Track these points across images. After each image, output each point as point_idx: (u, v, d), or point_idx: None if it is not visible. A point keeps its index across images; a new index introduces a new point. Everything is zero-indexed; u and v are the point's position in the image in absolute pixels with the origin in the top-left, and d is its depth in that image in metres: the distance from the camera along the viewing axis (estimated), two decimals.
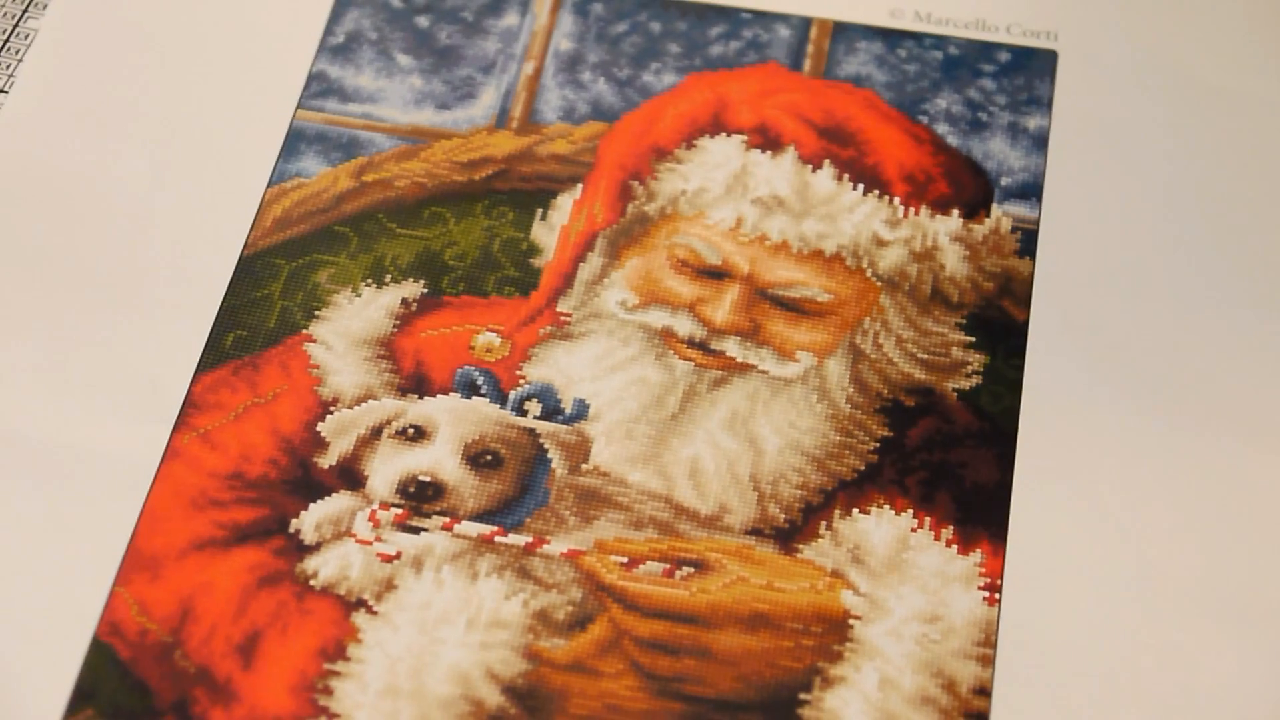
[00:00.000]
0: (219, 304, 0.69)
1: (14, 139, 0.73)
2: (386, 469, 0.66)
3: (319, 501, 0.65)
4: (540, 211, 0.72)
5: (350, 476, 0.66)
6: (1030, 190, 0.73)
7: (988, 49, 0.77)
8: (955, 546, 0.64)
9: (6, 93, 0.74)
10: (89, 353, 0.68)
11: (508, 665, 0.62)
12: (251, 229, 0.71)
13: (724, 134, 0.73)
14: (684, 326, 0.69)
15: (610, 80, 0.76)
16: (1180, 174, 0.73)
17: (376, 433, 0.67)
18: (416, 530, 0.64)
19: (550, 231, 0.72)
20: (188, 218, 0.71)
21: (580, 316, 0.69)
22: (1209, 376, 0.68)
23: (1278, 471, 0.66)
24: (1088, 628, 0.63)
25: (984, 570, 0.64)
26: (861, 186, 0.72)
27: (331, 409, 0.67)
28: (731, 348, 0.68)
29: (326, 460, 0.66)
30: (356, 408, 0.67)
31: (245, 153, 0.73)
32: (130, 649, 0.62)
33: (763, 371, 0.68)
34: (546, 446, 0.66)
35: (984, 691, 0.61)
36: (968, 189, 0.73)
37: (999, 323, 0.69)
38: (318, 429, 0.67)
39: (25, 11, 0.77)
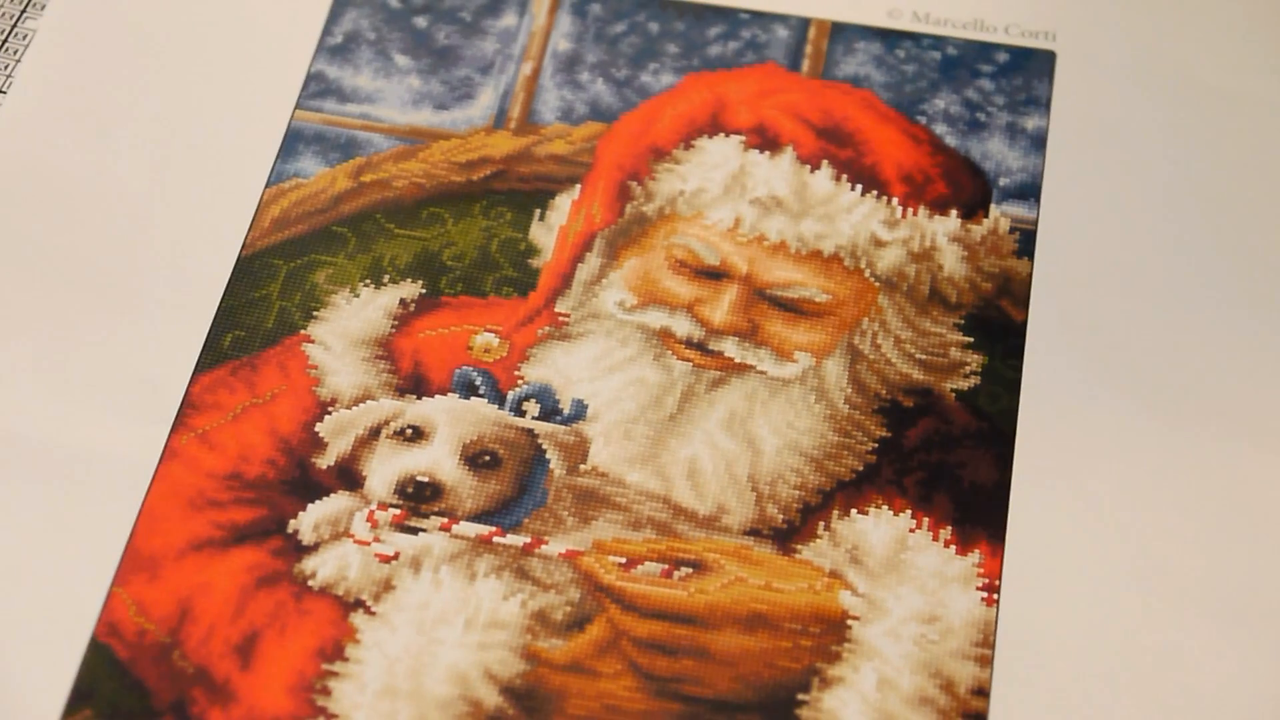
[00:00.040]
0: (217, 304, 0.69)
1: (12, 140, 0.73)
2: (385, 469, 0.66)
3: (317, 502, 0.65)
4: (538, 212, 0.72)
5: (348, 477, 0.66)
6: (1028, 191, 0.73)
7: (986, 49, 0.77)
8: (954, 547, 0.64)
9: (5, 93, 0.74)
10: (87, 353, 0.68)
11: (506, 665, 0.62)
12: (250, 229, 0.71)
13: (722, 134, 0.73)
14: (682, 327, 0.69)
15: (608, 81, 0.76)
16: (1179, 174, 0.73)
17: (375, 433, 0.67)
18: (415, 531, 0.64)
19: (548, 232, 0.72)
20: (186, 218, 0.71)
21: (578, 317, 0.69)
22: (1208, 377, 0.68)
23: (1276, 471, 0.66)
24: (1086, 628, 0.63)
25: (982, 571, 0.64)
26: (860, 187, 0.72)
27: (330, 409, 0.67)
28: (730, 348, 0.68)
29: (325, 461, 0.66)
30: (355, 408, 0.67)
31: (243, 153, 0.73)
32: (128, 649, 0.62)
33: (761, 372, 0.68)
34: (545, 447, 0.66)
35: (982, 692, 0.61)
36: (966, 189, 0.73)
37: (997, 323, 0.69)
38: (316, 429, 0.67)
39: (23, 12, 0.77)
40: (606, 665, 0.62)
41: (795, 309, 0.69)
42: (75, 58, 0.75)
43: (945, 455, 0.66)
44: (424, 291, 0.70)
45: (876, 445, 0.67)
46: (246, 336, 0.68)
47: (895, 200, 0.72)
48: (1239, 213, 0.72)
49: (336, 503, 0.65)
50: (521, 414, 0.67)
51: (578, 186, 0.73)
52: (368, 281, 0.70)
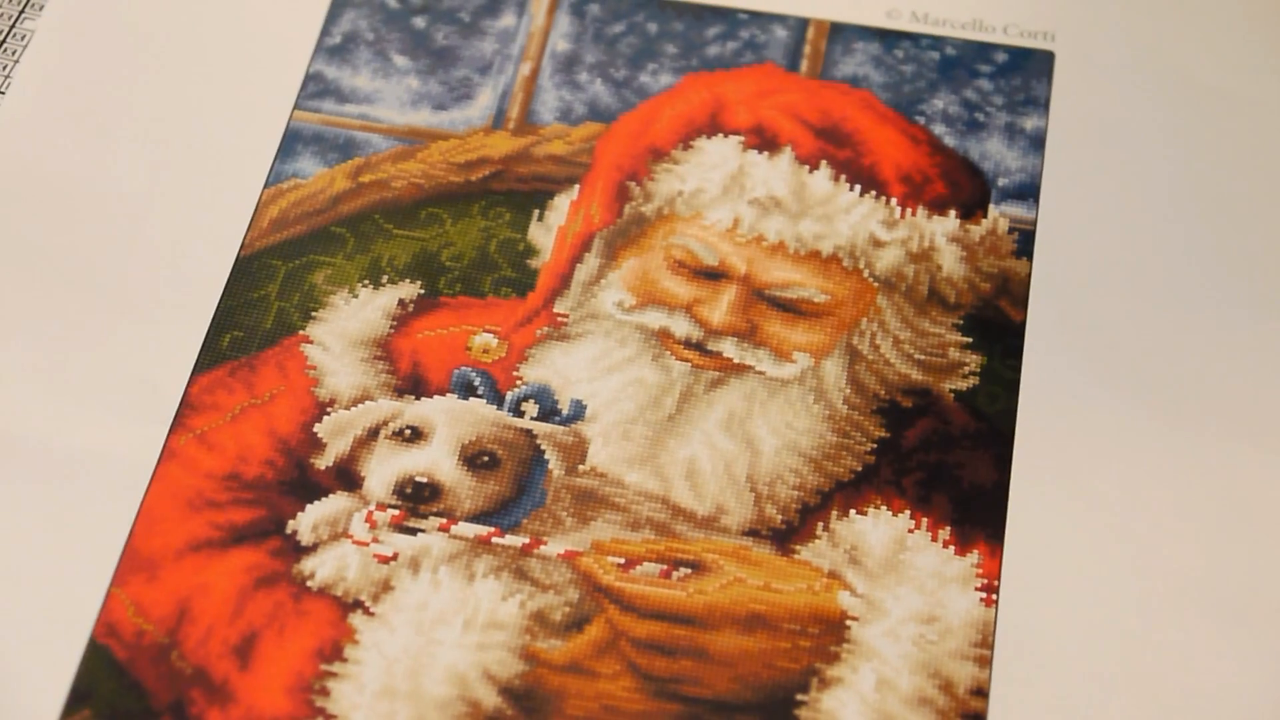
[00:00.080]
0: (215, 305, 0.69)
1: (11, 140, 0.73)
2: (383, 470, 0.66)
3: (316, 502, 0.65)
4: (537, 212, 0.72)
5: (347, 477, 0.66)
6: (1027, 191, 0.73)
7: (985, 49, 0.77)
8: (952, 547, 0.64)
9: (3, 94, 0.74)
10: (85, 354, 0.68)
11: (505, 666, 0.62)
12: (248, 230, 0.71)
13: (721, 135, 0.73)
14: (681, 327, 0.69)
15: (607, 81, 0.76)
16: (1178, 174, 0.73)
17: (373, 434, 0.67)
18: (413, 531, 0.64)
19: (547, 232, 0.71)
20: (184, 218, 0.71)
21: (577, 317, 0.69)
22: (1207, 377, 0.68)
23: (1275, 472, 0.66)
24: (1085, 629, 0.63)
25: (981, 571, 0.64)
26: (858, 187, 0.72)
27: (328, 410, 0.67)
28: (728, 348, 0.68)
29: (323, 461, 0.66)
30: (353, 409, 0.67)
31: (242, 153, 0.73)
32: (127, 650, 0.62)
33: (760, 372, 0.68)
34: (543, 447, 0.66)
35: (981, 692, 0.61)
36: (965, 189, 0.73)
37: (996, 323, 0.69)
38: (314, 430, 0.66)
39: (22, 13, 0.77)
40: (605, 666, 0.62)
41: (794, 309, 0.69)
42: (74, 58, 0.75)
43: (944, 455, 0.66)
44: (422, 292, 0.70)
45: (875, 446, 0.67)
46: (245, 337, 0.68)
47: (894, 200, 0.72)
48: (1238, 213, 0.72)
49: (335, 503, 0.65)
50: (520, 414, 0.67)
51: (576, 187, 0.73)
52: (366, 282, 0.70)
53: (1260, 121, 0.74)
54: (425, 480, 0.65)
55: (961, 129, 0.74)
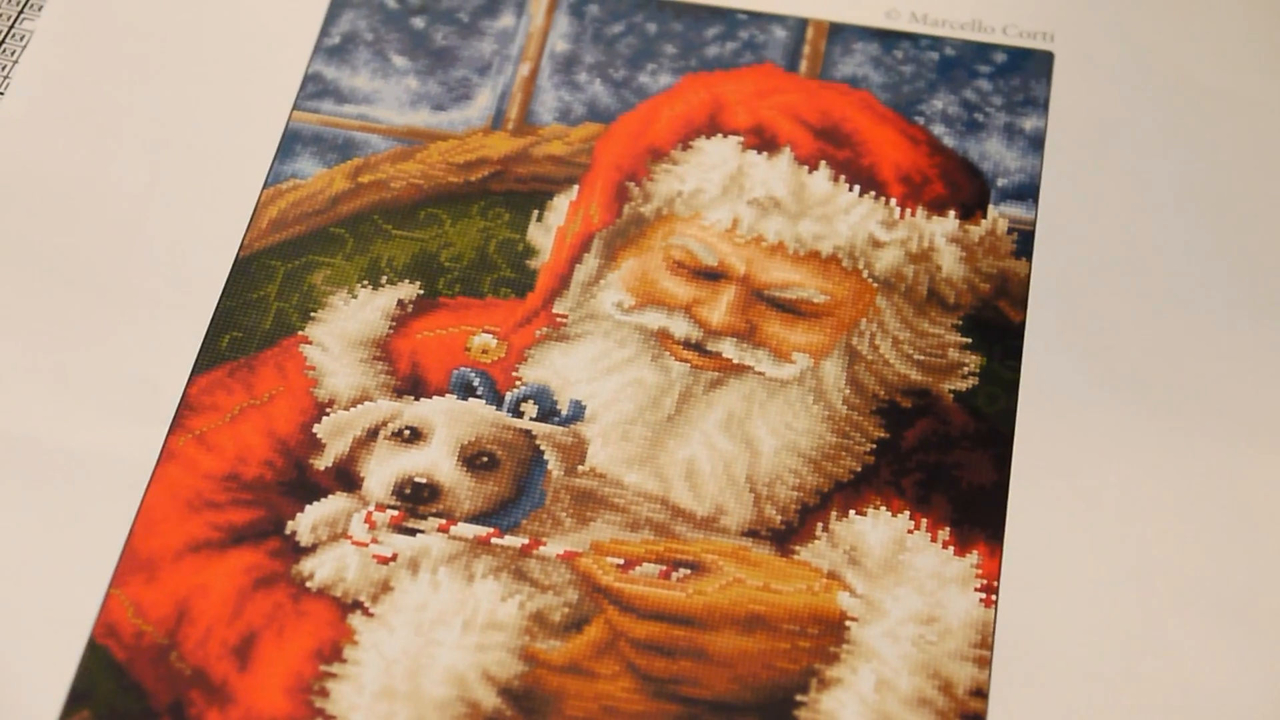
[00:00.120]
0: (214, 305, 0.69)
1: (10, 141, 0.73)
2: (382, 470, 0.66)
3: (315, 503, 0.65)
4: (536, 213, 0.72)
5: (346, 478, 0.66)
6: (1027, 191, 0.73)
7: (984, 50, 0.77)
8: (952, 548, 0.64)
9: (2, 95, 0.74)
10: (84, 354, 0.67)
11: (504, 667, 0.62)
12: (247, 230, 0.71)
13: (720, 135, 0.73)
14: (680, 328, 0.69)
15: (606, 81, 0.76)
16: (1177, 175, 0.73)
17: (372, 434, 0.67)
18: (412, 532, 0.64)
19: (546, 233, 0.71)
20: (183, 219, 0.71)
21: (576, 318, 0.69)
22: (1206, 377, 0.68)
23: (1275, 472, 0.66)
24: (1085, 629, 0.63)
25: (980, 572, 0.64)
26: (857, 187, 0.72)
27: (327, 410, 0.67)
28: (728, 349, 0.68)
29: (322, 462, 0.66)
30: (352, 409, 0.67)
31: (241, 154, 0.73)
32: (126, 651, 0.62)
33: (759, 373, 0.68)
34: (543, 448, 0.66)
35: (981, 693, 0.61)
36: (964, 190, 0.73)
37: (995, 324, 0.69)
38: (314, 430, 0.66)
39: (21, 13, 0.77)
40: (604, 666, 0.62)
41: (793, 310, 0.69)
42: (73, 59, 0.75)
43: (943, 456, 0.66)
44: (422, 292, 0.70)
45: (874, 446, 0.67)
46: (244, 338, 0.68)
47: (893, 201, 0.72)
48: (1238, 213, 0.72)
49: (334, 504, 0.65)
50: (519, 415, 0.67)
51: (575, 187, 0.73)
52: (365, 282, 0.70)
53: (1260, 121, 0.74)
54: (424, 481, 0.65)
55: (961, 129, 0.74)
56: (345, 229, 0.72)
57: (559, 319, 0.69)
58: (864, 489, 0.66)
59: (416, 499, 0.65)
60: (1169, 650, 0.62)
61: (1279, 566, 0.64)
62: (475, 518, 0.65)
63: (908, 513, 0.65)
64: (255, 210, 0.72)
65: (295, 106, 0.75)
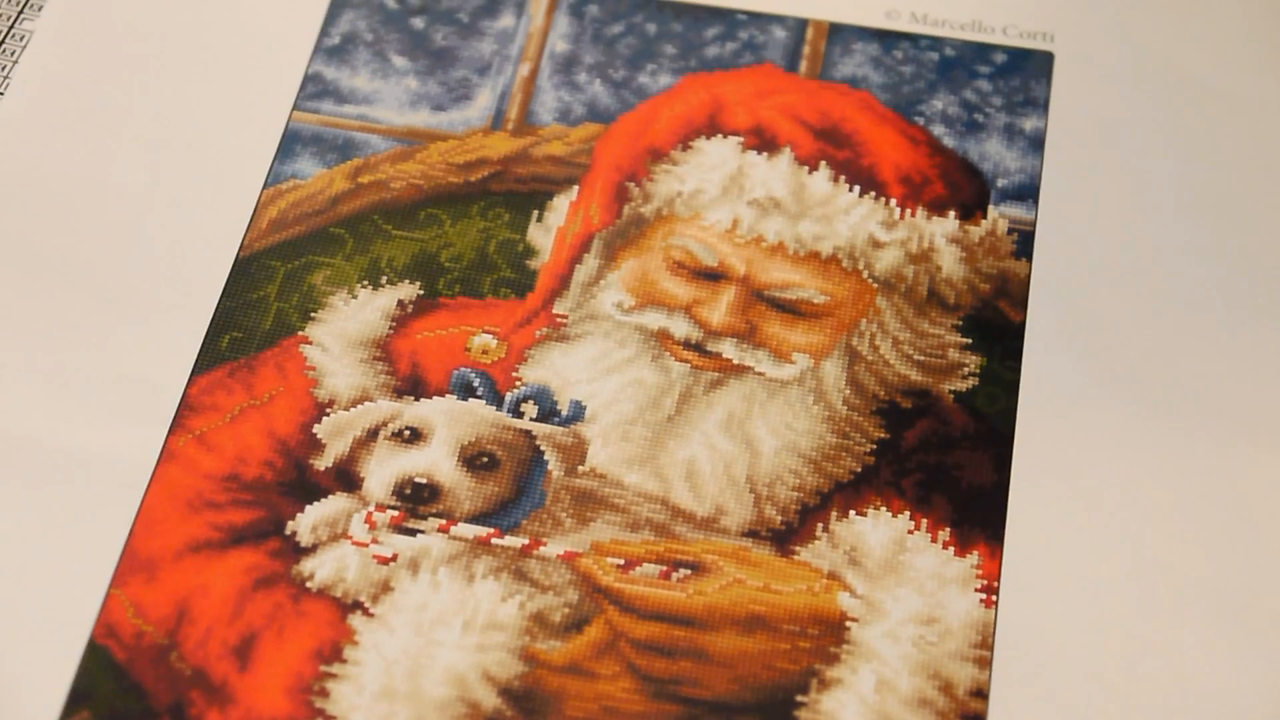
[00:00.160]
0: (214, 306, 0.69)
1: (9, 141, 0.73)
2: (382, 471, 0.66)
3: (315, 503, 0.65)
4: (536, 213, 0.72)
5: (346, 478, 0.66)
6: (1026, 192, 0.73)
7: (984, 50, 0.77)
8: (952, 548, 0.64)
9: (2, 95, 0.74)
10: (84, 355, 0.67)
11: (504, 667, 0.62)
12: (247, 231, 0.71)
13: (720, 135, 0.73)
14: (680, 328, 0.69)
15: (606, 82, 0.76)
16: (1177, 175, 0.73)
17: (372, 434, 0.66)
18: (413, 532, 0.64)
19: (546, 233, 0.71)
20: (183, 220, 0.71)
21: (576, 318, 0.69)
22: (1206, 377, 0.68)
23: (1275, 472, 0.66)
24: (1085, 630, 0.63)
25: (981, 572, 0.64)
26: (857, 188, 0.72)
27: (327, 411, 0.67)
28: (728, 349, 0.68)
29: (322, 462, 0.66)
30: (352, 409, 0.67)
31: (241, 154, 0.73)
32: (126, 651, 0.62)
33: (759, 373, 0.68)
34: (543, 448, 0.66)
35: (981, 694, 0.61)
36: (964, 190, 0.73)
37: (995, 324, 0.69)
38: (314, 431, 0.66)
39: (20, 13, 0.77)
40: (605, 667, 0.62)
41: (793, 310, 0.69)
42: (72, 59, 0.75)
43: (943, 456, 0.66)
44: (421, 293, 0.70)
45: (875, 446, 0.67)
46: (244, 338, 0.68)
47: (893, 201, 0.72)
48: (1238, 213, 0.72)
49: (334, 504, 0.65)
50: (519, 415, 0.67)
51: (575, 188, 0.73)
52: (365, 283, 0.70)
53: (1260, 121, 0.74)
54: (424, 481, 0.65)
55: (961, 130, 0.74)
56: (345, 229, 0.72)
57: (559, 319, 0.69)
58: (864, 489, 0.66)
59: (417, 499, 0.65)
60: (1169, 650, 0.62)
61: (1279, 566, 0.64)
62: (475, 518, 0.65)
63: (908, 513, 0.65)
64: (255, 210, 0.72)
65: (295, 107, 0.75)
